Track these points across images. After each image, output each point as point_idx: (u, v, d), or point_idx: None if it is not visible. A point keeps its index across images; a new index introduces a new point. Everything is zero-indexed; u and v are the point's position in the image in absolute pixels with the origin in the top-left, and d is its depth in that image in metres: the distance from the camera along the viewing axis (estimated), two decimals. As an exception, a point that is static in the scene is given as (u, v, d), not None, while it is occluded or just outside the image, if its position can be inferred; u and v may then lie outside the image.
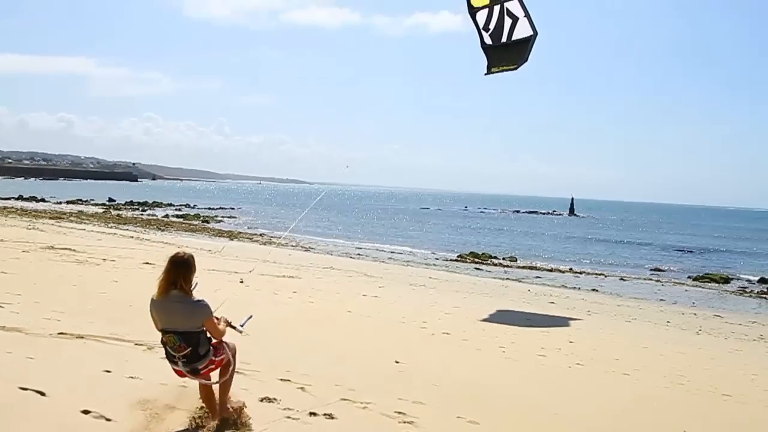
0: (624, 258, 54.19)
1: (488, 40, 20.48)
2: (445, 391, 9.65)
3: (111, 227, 44.88)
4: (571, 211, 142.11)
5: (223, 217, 75.60)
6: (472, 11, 20.66)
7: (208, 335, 6.67)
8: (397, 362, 11.19)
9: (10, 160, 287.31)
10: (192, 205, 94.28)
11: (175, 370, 6.75)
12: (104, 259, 22.09)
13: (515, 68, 20.79)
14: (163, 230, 47.50)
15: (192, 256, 6.66)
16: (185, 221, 61.62)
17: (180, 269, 6.53)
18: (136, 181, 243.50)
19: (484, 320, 18.03)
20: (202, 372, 6.66)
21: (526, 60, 20.41)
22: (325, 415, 7.61)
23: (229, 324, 6.97)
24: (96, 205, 78.10)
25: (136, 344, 9.84)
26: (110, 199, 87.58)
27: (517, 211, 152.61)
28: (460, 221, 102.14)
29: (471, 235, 72.68)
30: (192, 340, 6.49)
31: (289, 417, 7.47)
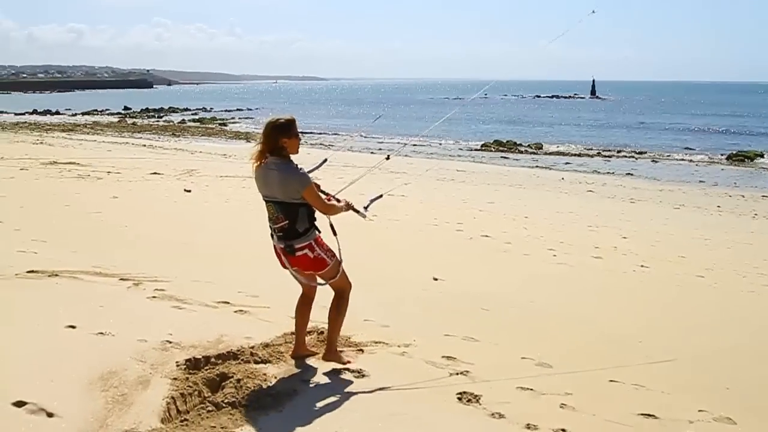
0: (651, 138, 51.83)
1: None
2: (499, 318, 7.85)
3: (125, 136, 43.41)
4: (593, 93, 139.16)
5: (240, 118, 73.70)
6: None
7: (314, 214, 5.88)
8: (435, 279, 9.48)
9: (24, 75, 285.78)
10: (209, 109, 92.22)
11: (276, 251, 5.99)
12: (108, 172, 20.49)
13: None
14: (178, 136, 45.97)
15: (291, 119, 5.86)
16: (202, 125, 59.96)
17: (274, 134, 5.76)
18: (152, 87, 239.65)
19: (524, 217, 16.30)
20: (297, 254, 5.81)
21: None
22: (354, 372, 5.84)
23: (350, 206, 6.09)
24: (111, 114, 76.33)
25: (120, 279, 8.16)
26: (126, 108, 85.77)
27: (538, 96, 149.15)
28: (482, 109, 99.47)
29: (493, 122, 70.25)
30: (290, 212, 5.75)
31: (303, 380, 5.69)
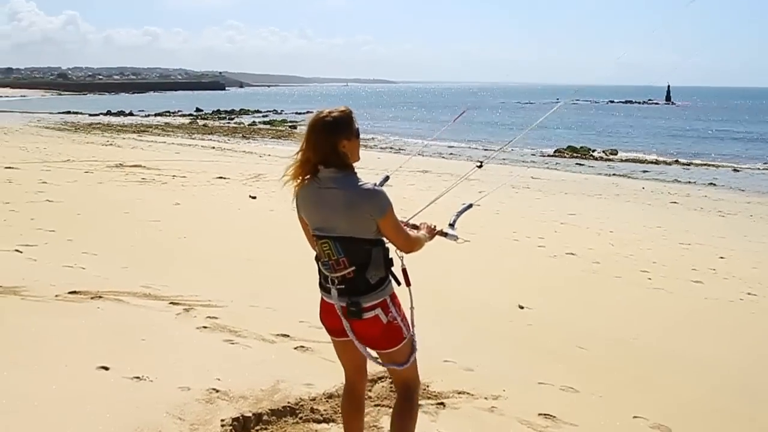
0: (729, 146, 49.72)
1: None
2: (599, 360, 6.80)
3: (194, 138, 43.15)
4: (668, 99, 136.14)
5: (310, 120, 73.23)
6: None
7: (389, 255, 3.89)
8: (521, 307, 8.47)
9: (101, 77, 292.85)
10: (279, 111, 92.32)
11: (324, 308, 4.02)
12: (173, 176, 19.92)
13: None
14: (248, 138, 45.59)
15: (348, 111, 3.83)
16: (272, 127, 59.69)
17: (329, 135, 3.74)
18: (224, 89, 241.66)
19: (609, 231, 15.14)
20: (365, 316, 3.79)
21: None
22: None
23: (434, 231, 4.25)
24: (183, 116, 76.69)
25: (170, 303, 7.34)
26: (197, 109, 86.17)
27: (612, 101, 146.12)
28: (556, 114, 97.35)
29: (565, 128, 68.55)
30: (359, 253, 3.76)
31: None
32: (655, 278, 10.70)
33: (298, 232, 4.10)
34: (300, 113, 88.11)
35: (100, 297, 7.35)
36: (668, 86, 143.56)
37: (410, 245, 3.93)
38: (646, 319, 8.46)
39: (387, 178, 4.53)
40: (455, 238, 4.37)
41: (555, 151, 43.03)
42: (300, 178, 3.86)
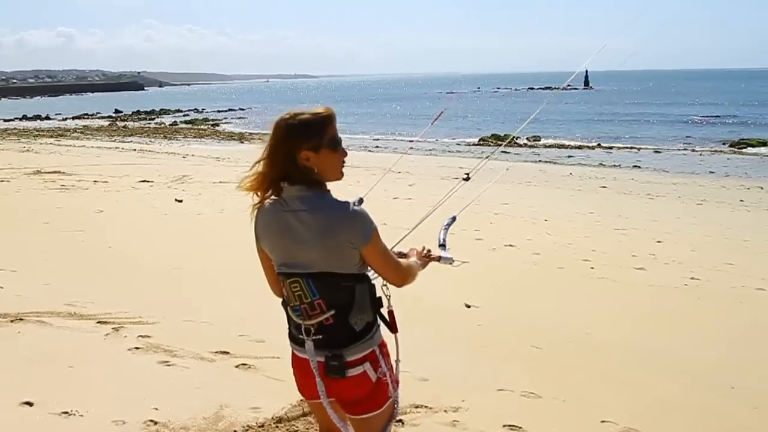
0: (649, 128, 50.93)
1: None
2: (556, 360, 6.50)
3: (115, 140, 42.02)
4: (586, 84, 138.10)
5: (232, 118, 73.00)
6: None
7: (376, 293, 3.09)
8: (468, 306, 8.18)
9: (14, 80, 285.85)
10: (200, 110, 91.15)
11: (297, 366, 3.17)
12: (95, 181, 19.20)
13: None
14: (170, 138, 44.67)
15: (326, 114, 3.02)
16: (194, 126, 58.84)
17: (285, 143, 2.90)
18: (143, 89, 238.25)
19: (544, 220, 15.00)
20: (349, 373, 2.99)
21: None
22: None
23: (429, 256, 3.56)
24: (102, 118, 75.12)
25: (98, 322, 6.85)
26: (116, 111, 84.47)
27: (531, 88, 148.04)
28: (476, 102, 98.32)
29: (488, 115, 68.97)
30: (338, 293, 2.95)
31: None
32: (597, 267, 10.53)
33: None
34: (221, 111, 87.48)
35: (20, 320, 6.82)
36: (586, 72, 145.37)
37: (403, 276, 3.17)
38: (596, 311, 8.24)
39: (361, 200, 3.46)
40: (450, 261, 3.72)
41: (480, 140, 43.09)
42: (259, 196, 3.05)
